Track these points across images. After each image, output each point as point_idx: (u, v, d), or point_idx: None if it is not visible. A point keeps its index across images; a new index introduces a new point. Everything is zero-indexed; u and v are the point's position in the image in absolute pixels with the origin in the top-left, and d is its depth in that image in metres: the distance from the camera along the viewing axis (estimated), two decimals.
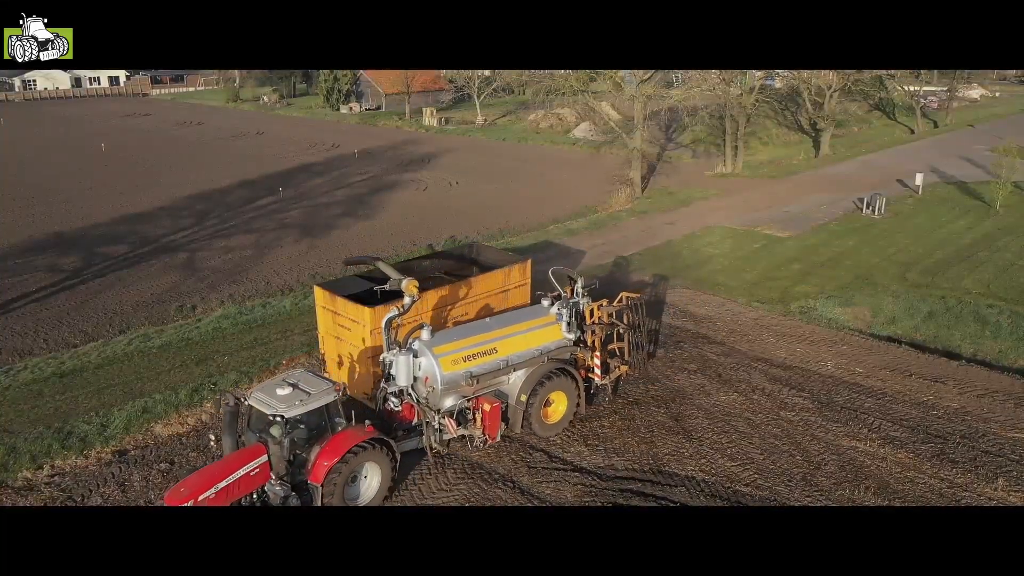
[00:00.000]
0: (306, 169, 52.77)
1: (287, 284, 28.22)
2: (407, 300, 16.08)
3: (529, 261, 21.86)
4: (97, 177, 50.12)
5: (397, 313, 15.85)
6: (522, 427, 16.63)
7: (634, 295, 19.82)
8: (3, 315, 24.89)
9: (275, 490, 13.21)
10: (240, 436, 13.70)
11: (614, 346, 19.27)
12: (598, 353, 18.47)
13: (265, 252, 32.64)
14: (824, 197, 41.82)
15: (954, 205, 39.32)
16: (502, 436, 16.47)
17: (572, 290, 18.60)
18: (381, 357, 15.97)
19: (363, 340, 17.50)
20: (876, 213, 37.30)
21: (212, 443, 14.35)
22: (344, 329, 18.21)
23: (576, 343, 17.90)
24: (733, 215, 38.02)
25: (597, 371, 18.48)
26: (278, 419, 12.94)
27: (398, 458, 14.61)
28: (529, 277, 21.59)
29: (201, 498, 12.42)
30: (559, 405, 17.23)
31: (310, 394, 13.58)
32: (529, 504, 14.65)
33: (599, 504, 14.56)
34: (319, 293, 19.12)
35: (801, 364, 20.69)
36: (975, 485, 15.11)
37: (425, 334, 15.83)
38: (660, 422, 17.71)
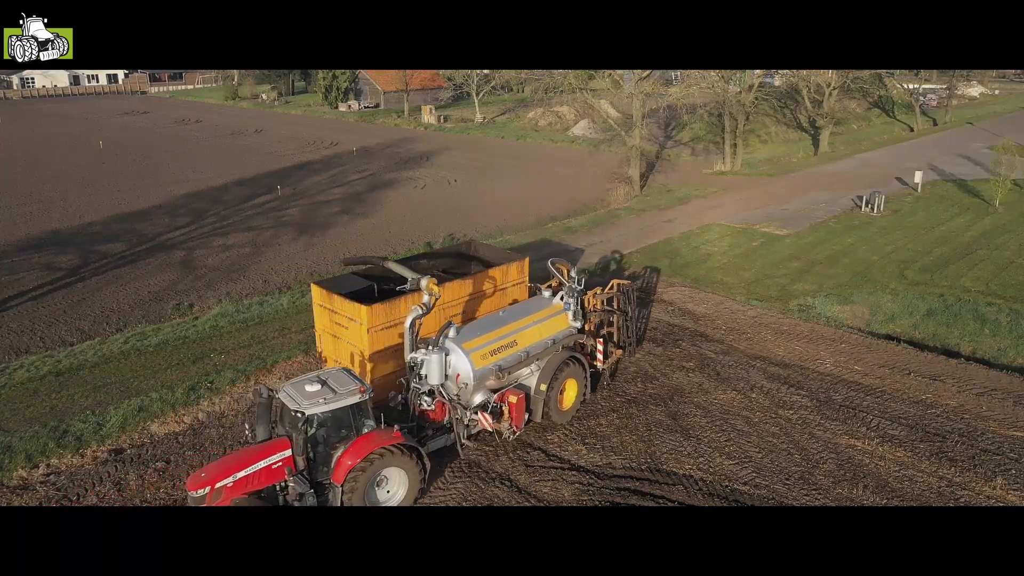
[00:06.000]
0: (304, 167, 52.70)
1: (285, 282, 28.15)
2: (426, 298, 16.12)
3: (527, 259, 21.82)
4: (94, 175, 49.98)
5: (421, 312, 15.86)
6: (542, 416, 17.07)
7: (625, 282, 20.74)
8: (0, 313, 24.87)
9: (293, 485, 13.30)
10: (274, 428, 13.89)
11: (606, 331, 19.95)
12: (600, 339, 19.16)
13: (263, 250, 32.56)
14: (823, 195, 41.82)
15: (953, 203, 39.31)
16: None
17: (569, 280, 19.10)
18: (408, 357, 15.89)
19: (360, 338, 17.45)
20: (875, 211, 37.28)
21: (247, 433, 14.54)
22: (341, 327, 18.15)
23: (579, 331, 18.58)
24: (732, 213, 37.99)
25: (600, 356, 19.06)
26: (299, 415, 13.13)
27: (427, 465, 14.43)
28: (527, 275, 21.55)
29: (219, 485, 12.60)
30: (571, 392, 17.80)
31: (336, 393, 13.64)
32: (526, 503, 14.61)
33: (597, 503, 14.53)
34: (316, 291, 19.07)
35: (799, 362, 20.67)
36: (974, 483, 15.09)
37: (452, 331, 16.00)
38: (658, 420, 17.68)
